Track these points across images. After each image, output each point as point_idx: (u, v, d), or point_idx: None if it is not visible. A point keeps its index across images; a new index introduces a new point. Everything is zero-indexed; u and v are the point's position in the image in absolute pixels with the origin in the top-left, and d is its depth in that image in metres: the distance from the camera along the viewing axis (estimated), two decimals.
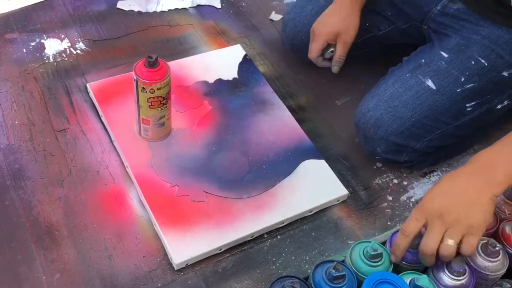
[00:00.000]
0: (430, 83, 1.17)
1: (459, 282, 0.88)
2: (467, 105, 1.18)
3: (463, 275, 0.88)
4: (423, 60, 1.21)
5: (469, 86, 1.16)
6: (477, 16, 1.20)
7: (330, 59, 1.31)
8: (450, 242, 0.85)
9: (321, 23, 1.27)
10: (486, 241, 0.91)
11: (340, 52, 1.27)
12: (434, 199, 0.88)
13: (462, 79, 1.16)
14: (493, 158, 0.88)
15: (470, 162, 0.89)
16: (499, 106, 1.21)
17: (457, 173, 0.90)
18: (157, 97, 1.14)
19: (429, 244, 0.86)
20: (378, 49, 1.43)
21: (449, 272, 0.88)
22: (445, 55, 1.19)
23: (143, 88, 1.12)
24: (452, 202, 0.86)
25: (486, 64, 1.17)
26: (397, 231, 0.92)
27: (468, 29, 1.21)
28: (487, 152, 0.89)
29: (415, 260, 0.91)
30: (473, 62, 1.17)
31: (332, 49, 1.29)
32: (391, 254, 0.92)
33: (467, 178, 0.88)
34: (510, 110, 1.26)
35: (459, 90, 1.16)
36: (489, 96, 1.19)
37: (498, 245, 0.89)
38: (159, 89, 1.12)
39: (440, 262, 0.90)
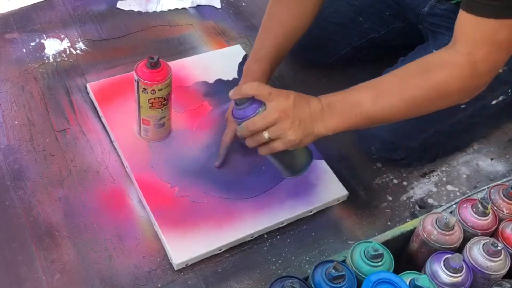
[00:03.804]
0: None
1: (456, 279, 0.88)
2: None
3: (460, 272, 0.88)
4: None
5: None
6: None
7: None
8: (265, 135, 0.97)
9: (231, 108, 1.17)
10: (488, 240, 0.91)
11: None
12: (289, 98, 0.96)
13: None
14: (336, 105, 0.98)
15: (320, 98, 0.99)
16: (494, 102, 1.22)
17: (310, 98, 0.99)
18: (158, 98, 1.14)
19: (256, 124, 0.96)
20: (378, 50, 1.43)
21: (446, 269, 0.88)
22: None
23: (144, 88, 1.12)
24: (295, 112, 0.95)
25: None
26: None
27: None
28: (334, 98, 0.99)
29: (237, 115, 0.99)
30: None
31: None
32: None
33: (313, 108, 0.97)
34: (508, 105, 1.27)
35: None
36: (483, 92, 1.19)
37: (500, 244, 0.89)
38: (160, 90, 1.12)
39: (436, 258, 0.90)
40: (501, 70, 1.16)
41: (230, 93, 0.99)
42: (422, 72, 0.96)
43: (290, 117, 0.95)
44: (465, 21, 0.93)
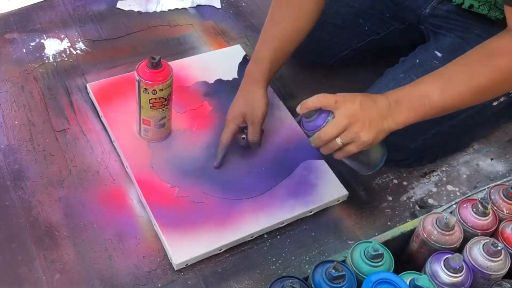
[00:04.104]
0: None
1: (456, 279, 0.88)
2: None
3: (460, 272, 0.88)
4: (417, 60, 1.21)
5: None
6: (467, 15, 1.20)
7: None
8: (339, 141, 0.99)
9: (230, 109, 1.20)
10: (488, 240, 0.91)
11: (250, 132, 1.18)
12: (355, 102, 0.99)
13: (501, 95, 1.16)
14: (403, 99, 1.01)
15: (386, 95, 1.02)
16: (494, 103, 1.22)
17: (375, 97, 1.02)
18: (159, 98, 1.14)
19: (328, 133, 0.99)
20: (378, 52, 1.43)
21: (446, 269, 0.88)
22: (439, 54, 1.20)
23: (145, 89, 1.12)
24: (364, 114, 0.98)
25: None
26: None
27: (461, 28, 1.21)
28: (401, 92, 1.02)
29: (307, 128, 1.02)
30: None
31: (243, 135, 1.20)
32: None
33: (381, 105, 1.00)
34: (508, 105, 1.27)
35: None
36: None
37: (500, 244, 0.89)
38: (161, 90, 1.12)
39: (436, 258, 0.90)
40: None
41: (298, 108, 1.02)
42: (485, 58, 1.00)
43: (359, 119, 0.98)
44: None
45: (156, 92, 1.12)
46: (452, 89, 1.00)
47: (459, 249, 0.95)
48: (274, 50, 1.18)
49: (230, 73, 1.40)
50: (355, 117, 0.98)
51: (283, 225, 1.16)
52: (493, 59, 0.99)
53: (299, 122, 1.07)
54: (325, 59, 1.43)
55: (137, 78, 1.12)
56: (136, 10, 1.58)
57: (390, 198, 1.24)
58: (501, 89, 1.05)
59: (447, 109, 1.03)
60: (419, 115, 1.01)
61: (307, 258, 1.12)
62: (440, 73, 1.02)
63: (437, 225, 0.94)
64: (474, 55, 1.02)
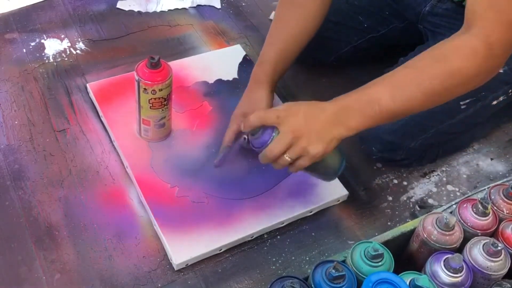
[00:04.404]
0: None
1: (456, 279, 0.88)
2: (461, 102, 1.18)
3: (460, 272, 0.88)
4: None
5: None
6: None
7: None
8: (287, 157, 0.97)
9: (235, 109, 1.20)
10: (488, 240, 0.91)
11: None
12: (299, 114, 0.96)
13: (455, 97, 1.15)
14: (352, 104, 0.97)
15: (333, 102, 0.98)
16: (494, 102, 1.22)
17: (322, 105, 0.98)
18: (159, 98, 1.14)
19: (273, 151, 0.96)
20: (378, 50, 1.43)
21: (446, 269, 0.88)
22: None
23: (145, 89, 1.12)
24: (309, 126, 0.95)
25: None
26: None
27: (460, 27, 1.21)
28: (349, 98, 0.98)
29: (254, 144, 1.00)
30: None
31: (245, 135, 1.15)
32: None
33: (328, 113, 0.97)
34: (508, 105, 1.27)
35: None
36: (483, 92, 1.19)
37: (500, 244, 0.89)
38: (160, 90, 1.12)
39: (436, 258, 0.90)
40: (501, 70, 1.17)
41: (241, 127, 1.00)
42: (437, 61, 0.96)
43: (304, 133, 0.95)
44: (477, 4, 0.93)
45: (156, 92, 1.12)
46: (402, 94, 0.96)
47: (459, 249, 0.95)
48: (279, 51, 1.17)
49: (230, 73, 1.40)
50: (300, 131, 0.95)
51: (283, 225, 1.16)
52: (445, 61, 0.95)
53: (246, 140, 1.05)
54: (325, 56, 1.42)
55: (137, 78, 1.12)
56: (136, 10, 1.58)
57: (390, 198, 1.24)
58: (454, 93, 1.00)
59: (398, 114, 0.98)
60: (371, 120, 0.97)
61: (307, 258, 1.12)
62: (390, 77, 0.98)
63: (437, 225, 0.94)
64: (425, 58, 0.97)
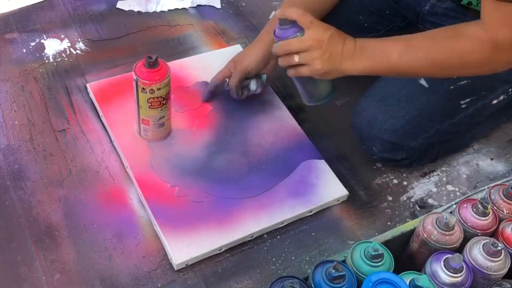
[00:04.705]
0: (422, 81, 1.18)
1: (456, 279, 0.88)
2: (461, 102, 1.18)
3: (460, 272, 0.88)
4: None
5: (462, 83, 1.17)
6: (465, 12, 1.20)
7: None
8: (296, 58, 1.05)
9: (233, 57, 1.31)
10: (488, 240, 0.91)
11: (231, 77, 1.26)
12: (327, 32, 1.04)
13: (455, 76, 1.16)
14: (368, 48, 1.05)
15: (355, 39, 1.06)
16: (494, 101, 1.22)
17: (346, 37, 1.06)
18: (157, 97, 1.14)
19: (290, 45, 1.04)
20: None
21: (446, 269, 0.88)
22: None
23: (143, 88, 1.12)
24: (328, 46, 1.03)
25: None
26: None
27: None
28: (368, 43, 1.06)
29: (277, 34, 1.06)
30: None
31: (226, 79, 1.29)
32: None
33: (347, 47, 1.05)
34: (508, 105, 1.27)
35: (452, 87, 1.17)
36: (483, 92, 1.19)
37: (500, 244, 0.89)
38: (159, 89, 1.12)
39: (436, 258, 0.90)
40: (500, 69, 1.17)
41: (277, 12, 1.07)
42: (450, 37, 1.02)
43: (322, 48, 1.03)
44: (485, 4, 0.97)
45: (154, 91, 1.12)
46: (410, 55, 1.03)
47: (459, 249, 0.95)
48: None
49: None
50: (319, 44, 1.03)
51: (283, 225, 1.16)
52: (457, 39, 1.01)
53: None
54: None
55: (135, 77, 1.12)
56: (136, 10, 1.58)
57: (390, 198, 1.24)
58: (457, 70, 1.06)
59: (402, 72, 1.06)
60: (377, 68, 1.06)
61: (307, 258, 1.12)
62: (408, 38, 1.06)
63: (437, 225, 0.94)
64: (442, 32, 1.04)
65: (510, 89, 1.22)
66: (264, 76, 1.29)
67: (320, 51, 1.03)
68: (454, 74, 1.10)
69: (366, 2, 1.36)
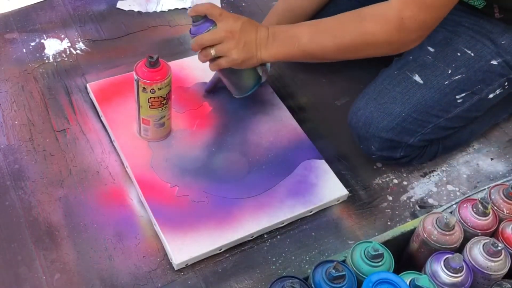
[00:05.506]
0: (417, 77, 1.18)
1: (456, 279, 0.88)
2: (457, 97, 1.19)
3: (460, 272, 0.88)
4: (410, 57, 1.22)
5: (456, 77, 1.18)
6: (459, 7, 1.20)
7: None
8: (212, 51, 1.10)
9: None
10: (488, 240, 0.91)
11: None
12: (238, 22, 1.09)
13: (449, 71, 1.17)
14: (279, 35, 1.11)
15: (267, 27, 1.11)
16: (491, 96, 1.22)
17: (258, 25, 1.11)
18: (158, 97, 1.14)
19: (203, 39, 1.10)
20: None
21: (446, 269, 0.88)
22: (432, 49, 1.21)
23: (144, 88, 1.12)
24: (241, 35, 1.08)
25: (472, 54, 1.18)
26: None
27: (452, 22, 1.22)
28: (279, 29, 1.12)
29: (191, 31, 1.13)
30: (459, 54, 1.19)
31: None
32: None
33: (259, 35, 1.10)
34: (507, 102, 1.28)
35: (446, 82, 1.17)
36: (479, 86, 1.20)
37: (500, 244, 0.90)
38: (159, 89, 1.12)
39: (436, 258, 0.90)
40: (495, 63, 1.18)
41: (188, 11, 1.11)
42: (356, 19, 1.07)
43: (235, 38, 1.09)
44: None
45: (155, 91, 1.12)
46: (319, 39, 1.09)
47: (459, 249, 0.95)
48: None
49: None
50: (232, 34, 1.08)
51: (283, 225, 1.16)
52: (362, 21, 1.05)
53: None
54: None
55: (136, 77, 1.12)
56: (136, 10, 1.58)
57: (390, 198, 1.24)
58: (364, 51, 1.10)
59: (313, 55, 1.11)
60: (289, 53, 1.11)
61: (307, 258, 1.12)
62: (317, 22, 1.11)
63: (437, 225, 0.94)
64: (350, 15, 1.09)
65: (506, 83, 1.22)
66: (268, 65, 1.28)
67: (234, 41, 1.08)
68: (362, 56, 1.13)
69: (366, 2, 1.36)
